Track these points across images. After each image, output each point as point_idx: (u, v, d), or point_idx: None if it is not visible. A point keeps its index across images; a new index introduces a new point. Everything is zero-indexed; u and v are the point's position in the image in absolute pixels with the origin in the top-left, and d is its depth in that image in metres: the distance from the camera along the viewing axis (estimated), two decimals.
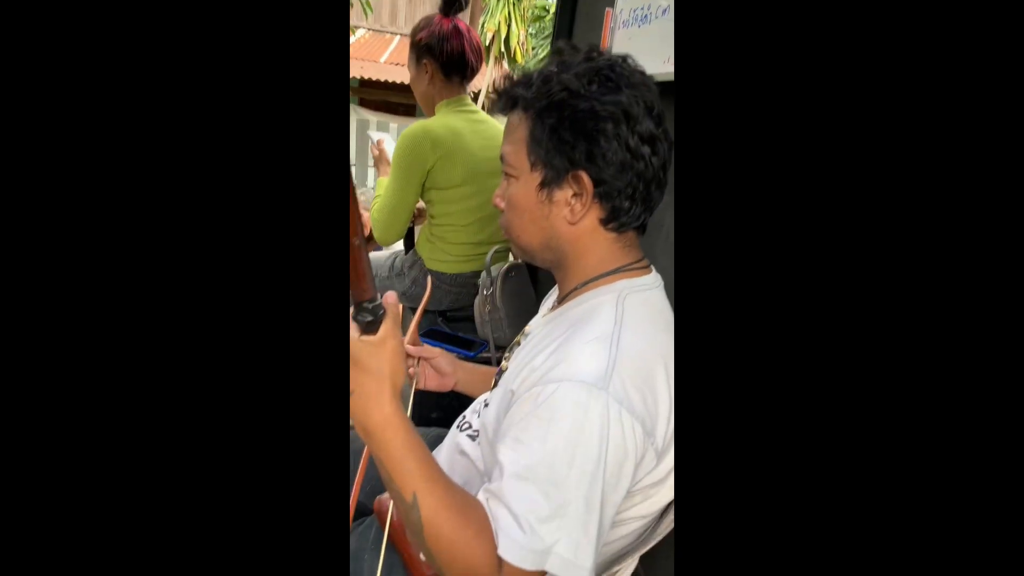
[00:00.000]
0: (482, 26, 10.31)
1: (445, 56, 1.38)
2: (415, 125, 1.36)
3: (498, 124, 1.48)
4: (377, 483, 0.84)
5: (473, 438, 0.73)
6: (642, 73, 0.65)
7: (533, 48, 11.23)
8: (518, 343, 0.76)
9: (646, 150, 0.62)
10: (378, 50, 9.53)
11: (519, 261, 1.39)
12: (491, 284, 1.28)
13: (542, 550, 0.52)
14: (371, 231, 1.46)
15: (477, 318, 1.32)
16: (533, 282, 1.44)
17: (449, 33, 1.38)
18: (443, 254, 1.47)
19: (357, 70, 8.33)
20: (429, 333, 1.39)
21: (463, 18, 1.45)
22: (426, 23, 1.41)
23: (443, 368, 0.92)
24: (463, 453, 0.73)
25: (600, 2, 1.29)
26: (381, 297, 0.54)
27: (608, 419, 0.54)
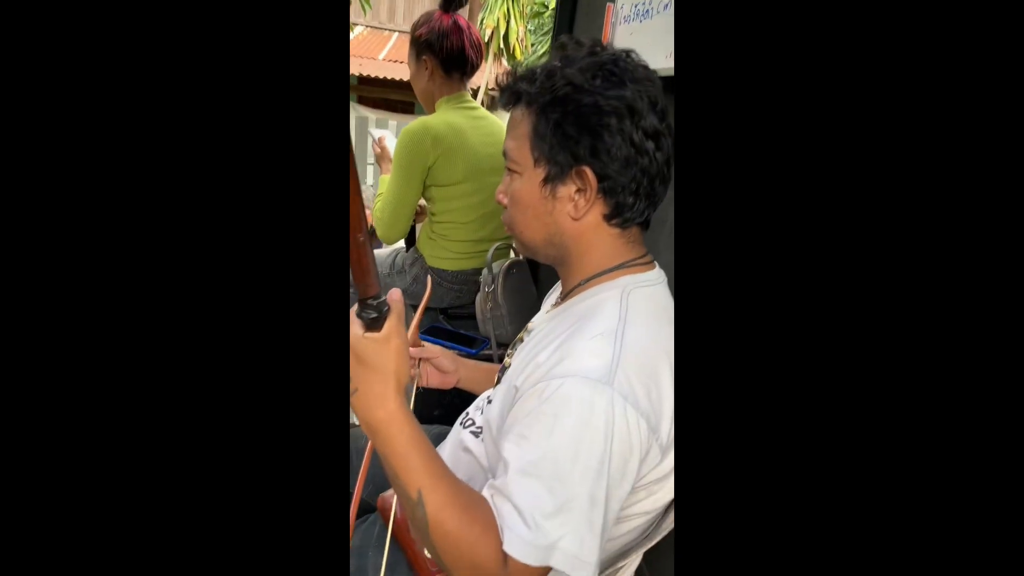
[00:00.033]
0: (481, 22, 10.29)
1: (445, 52, 1.38)
2: (416, 122, 1.35)
3: (498, 120, 1.48)
4: (380, 480, 0.84)
5: (476, 435, 0.73)
6: (646, 68, 0.65)
7: (532, 44, 11.21)
8: (521, 340, 0.76)
9: (650, 145, 0.62)
10: (376, 47, 9.51)
11: (520, 258, 1.39)
12: (492, 281, 1.28)
13: (547, 546, 0.52)
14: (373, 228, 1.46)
15: (479, 315, 1.32)
16: (534, 279, 1.44)
17: (449, 29, 1.38)
18: (444, 251, 1.46)
19: (356, 67, 8.33)
20: (431, 331, 1.39)
21: (462, 14, 1.45)
22: (426, 19, 1.41)
23: (445, 366, 0.92)
24: (467, 450, 0.73)
25: None
26: (385, 294, 0.53)
27: (613, 415, 0.54)
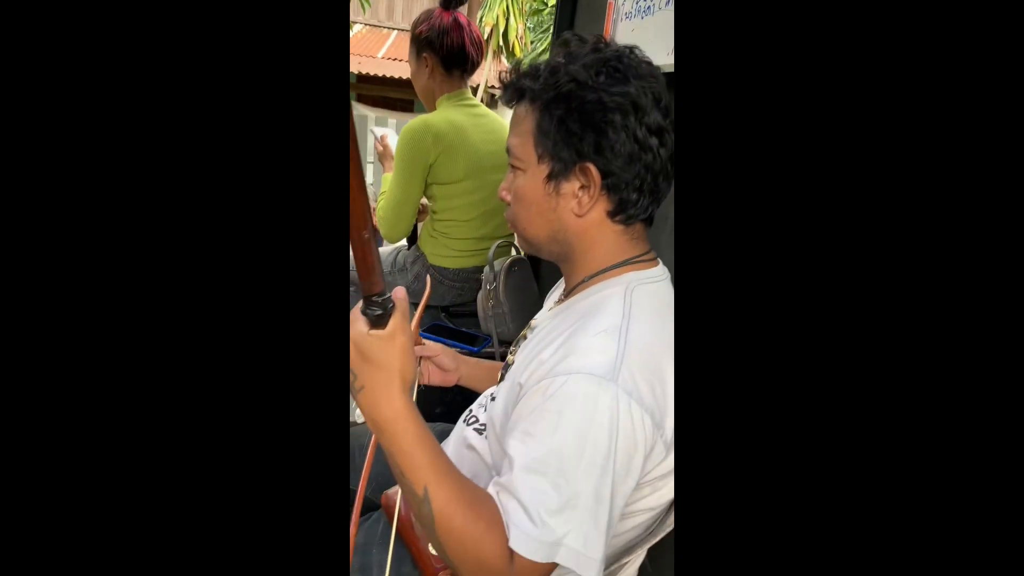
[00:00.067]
0: (480, 19, 10.27)
1: (445, 50, 1.38)
2: (416, 120, 1.35)
3: (499, 118, 1.47)
4: (384, 478, 0.84)
5: (480, 432, 0.73)
6: (649, 64, 0.65)
7: (531, 42, 11.19)
8: (524, 337, 0.76)
9: (654, 141, 0.62)
10: (375, 45, 9.49)
11: (522, 256, 1.39)
12: (494, 279, 1.28)
13: (552, 542, 0.52)
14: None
15: (480, 313, 1.32)
16: (536, 277, 1.43)
17: (449, 26, 1.38)
18: (445, 249, 1.46)
19: (355, 66, 8.30)
20: (432, 329, 1.39)
21: (462, 11, 1.44)
22: (426, 17, 1.40)
23: (446, 364, 0.92)
24: (470, 447, 0.73)
25: None
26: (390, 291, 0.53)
27: (618, 411, 0.54)
